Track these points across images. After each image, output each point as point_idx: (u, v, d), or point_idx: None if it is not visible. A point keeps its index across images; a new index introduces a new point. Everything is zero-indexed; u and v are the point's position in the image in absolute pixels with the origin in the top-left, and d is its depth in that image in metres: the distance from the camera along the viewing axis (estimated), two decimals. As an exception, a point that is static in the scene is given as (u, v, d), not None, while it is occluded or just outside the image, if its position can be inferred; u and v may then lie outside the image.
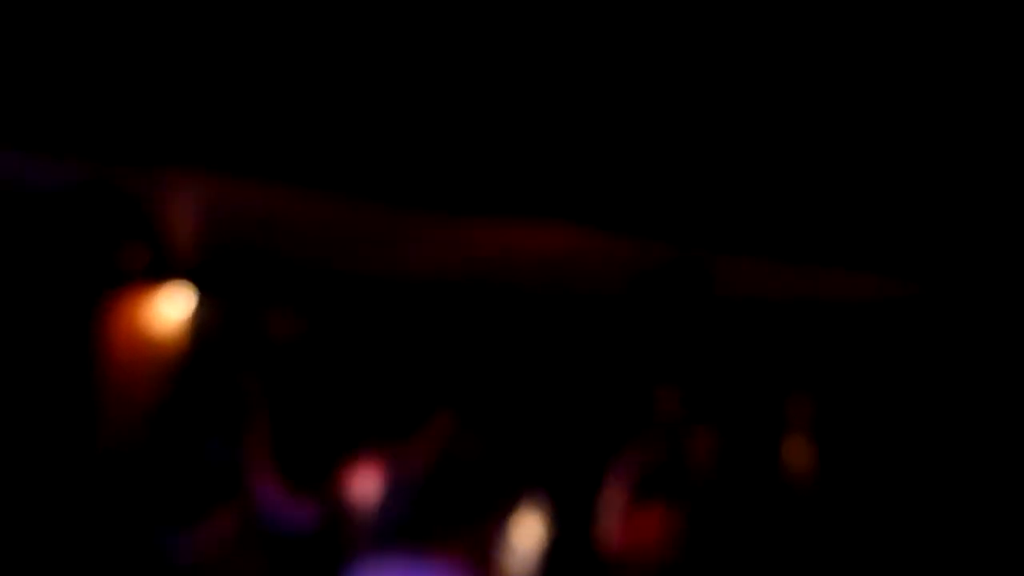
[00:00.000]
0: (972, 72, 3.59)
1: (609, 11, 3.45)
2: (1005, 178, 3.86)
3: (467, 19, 3.42)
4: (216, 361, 4.87)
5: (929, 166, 3.88)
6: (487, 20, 3.43)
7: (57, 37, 3.24)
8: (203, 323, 5.01)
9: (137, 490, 4.41)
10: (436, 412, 4.80)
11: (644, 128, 3.70)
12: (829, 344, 5.09)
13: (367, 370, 5.22)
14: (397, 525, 2.27)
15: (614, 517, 4.72)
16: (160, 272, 3.72)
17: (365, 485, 4.29)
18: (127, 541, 4.17)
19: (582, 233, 3.88)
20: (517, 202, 3.76)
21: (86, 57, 3.34)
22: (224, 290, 5.13)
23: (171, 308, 5.06)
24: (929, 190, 3.91)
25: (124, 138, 3.49)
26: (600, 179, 3.79)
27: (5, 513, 4.05)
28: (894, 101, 3.71)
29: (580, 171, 3.76)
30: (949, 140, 3.80)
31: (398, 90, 3.55)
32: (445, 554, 2.06)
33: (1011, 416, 4.61)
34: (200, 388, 4.70)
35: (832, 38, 3.55)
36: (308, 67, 3.50)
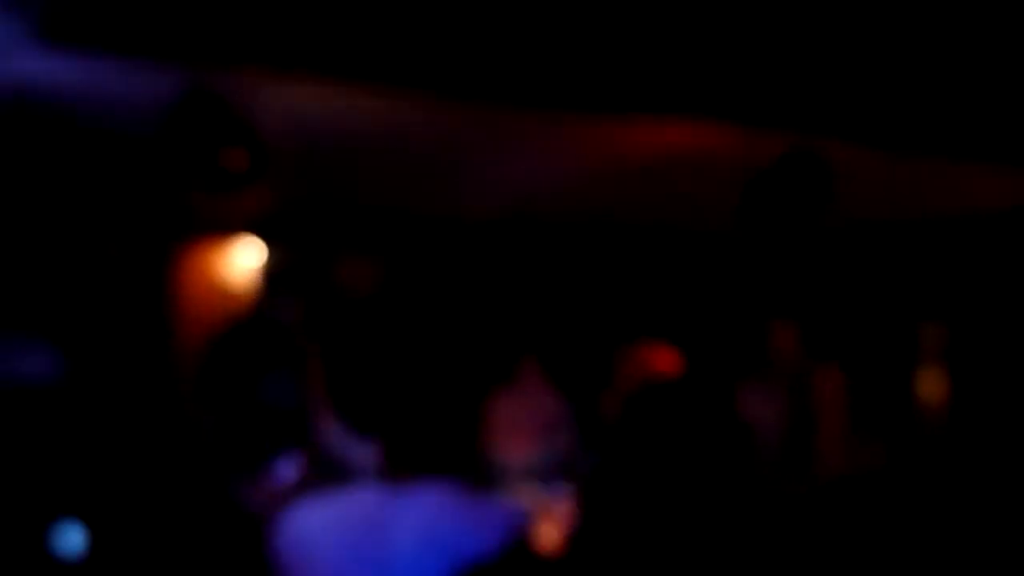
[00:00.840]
0: None
1: None
2: None
3: None
4: (281, 309, 4.58)
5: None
6: None
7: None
8: (274, 271, 4.78)
9: (204, 436, 4.12)
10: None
11: (751, 8, 3.44)
12: (961, 266, 4.72)
13: (455, 314, 4.88)
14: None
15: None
16: (260, 174, 3.50)
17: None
18: (198, 488, 3.87)
19: (692, 129, 3.59)
20: (623, 99, 3.49)
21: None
22: (297, 239, 4.88)
23: (244, 258, 4.83)
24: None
25: (215, 41, 3.28)
26: (709, 67, 3.50)
27: (77, 443, 3.76)
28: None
29: (685, 60, 3.48)
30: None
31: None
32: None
33: None
34: (263, 333, 4.42)
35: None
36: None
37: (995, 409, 4.46)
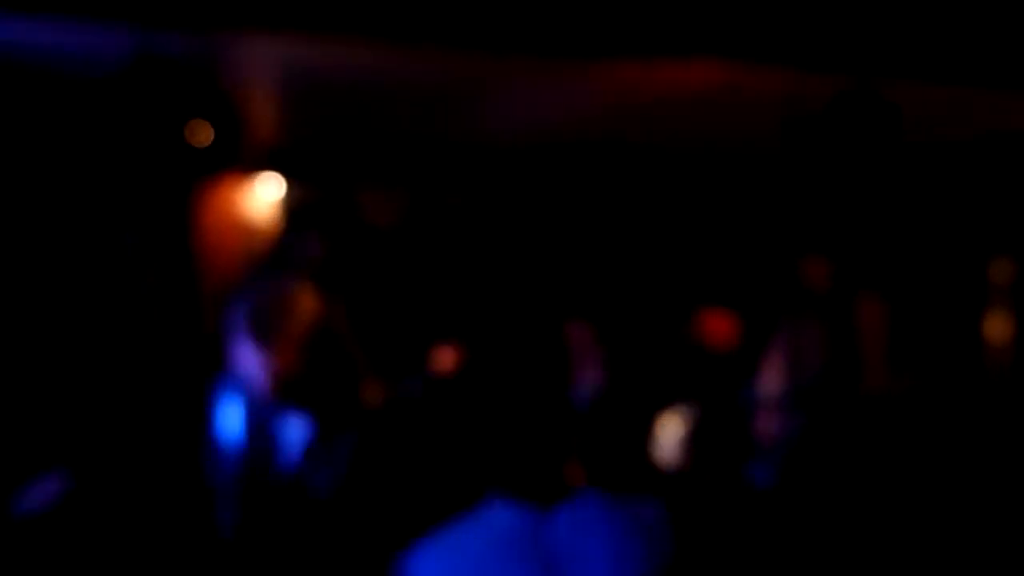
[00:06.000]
0: None
1: None
2: None
3: None
4: (304, 244, 4.38)
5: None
6: None
7: None
8: (295, 207, 4.59)
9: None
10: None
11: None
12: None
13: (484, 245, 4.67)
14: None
15: (772, 390, 4.18)
16: (235, 152, 3.21)
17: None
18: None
19: (730, 69, 3.19)
20: (642, 41, 3.09)
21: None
22: (315, 172, 4.65)
23: (261, 194, 4.65)
24: None
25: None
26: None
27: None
28: None
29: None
30: None
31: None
32: None
33: None
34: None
35: None
36: None
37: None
